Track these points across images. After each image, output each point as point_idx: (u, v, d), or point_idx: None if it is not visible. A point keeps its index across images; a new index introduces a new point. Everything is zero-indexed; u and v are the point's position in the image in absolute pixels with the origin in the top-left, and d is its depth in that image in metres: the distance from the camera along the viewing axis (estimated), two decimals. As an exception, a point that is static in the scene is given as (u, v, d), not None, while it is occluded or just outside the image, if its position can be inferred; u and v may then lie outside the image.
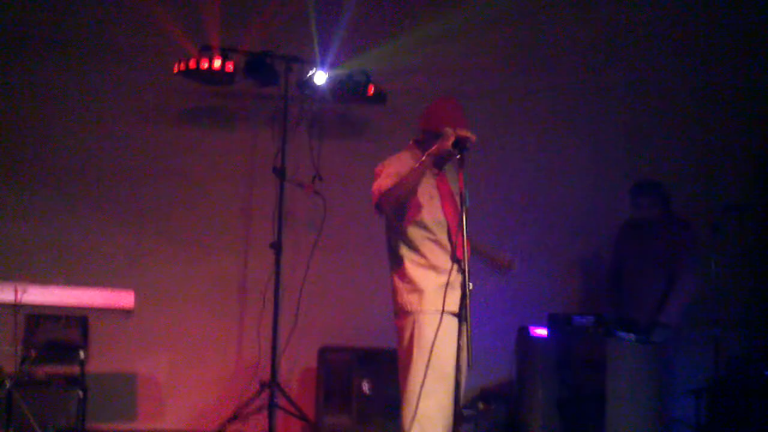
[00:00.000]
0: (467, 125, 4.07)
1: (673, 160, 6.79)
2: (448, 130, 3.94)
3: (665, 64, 6.88)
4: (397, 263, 4.30)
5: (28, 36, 6.19)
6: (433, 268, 4.22)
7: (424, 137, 4.28)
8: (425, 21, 6.57)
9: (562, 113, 6.80)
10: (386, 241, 4.37)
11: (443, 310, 4.04)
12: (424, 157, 4.04)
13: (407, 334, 4.19)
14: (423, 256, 4.23)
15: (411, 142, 4.38)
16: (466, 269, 3.83)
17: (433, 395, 4.04)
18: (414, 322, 4.17)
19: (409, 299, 4.22)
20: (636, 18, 6.88)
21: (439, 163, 4.07)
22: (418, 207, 4.21)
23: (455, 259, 4.13)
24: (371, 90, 6.17)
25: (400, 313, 4.27)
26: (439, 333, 4.00)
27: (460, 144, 3.89)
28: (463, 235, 3.83)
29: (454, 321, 4.03)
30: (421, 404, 4.02)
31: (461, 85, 6.58)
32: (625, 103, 6.86)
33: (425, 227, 4.22)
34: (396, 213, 4.19)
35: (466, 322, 3.79)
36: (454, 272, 4.12)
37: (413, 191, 4.11)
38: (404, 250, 4.26)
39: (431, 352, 4.01)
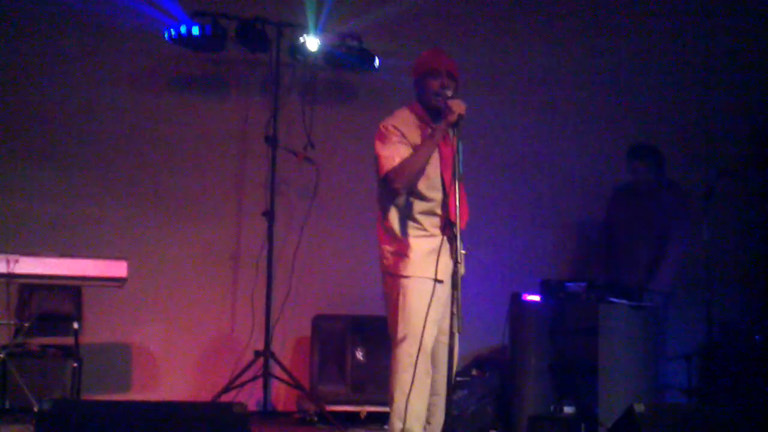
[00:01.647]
0: (454, 66, 4.21)
1: (667, 124, 6.79)
2: (453, 104, 3.99)
3: (663, 28, 6.86)
4: (385, 226, 4.22)
5: (16, 5, 6.10)
6: (424, 233, 4.15)
7: (417, 90, 4.28)
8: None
9: (557, 80, 6.76)
10: (377, 202, 4.28)
11: (435, 279, 4.01)
12: (433, 133, 4.08)
13: (392, 299, 4.16)
14: (414, 221, 4.16)
15: (415, 102, 4.32)
16: (458, 234, 3.81)
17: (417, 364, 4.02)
18: (400, 288, 4.12)
19: (394, 263, 4.16)
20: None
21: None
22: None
23: (448, 223, 4.07)
24: (364, 56, 6.12)
25: (386, 276, 4.22)
26: (424, 301, 3.99)
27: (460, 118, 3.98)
28: (455, 198, 3.82)
29: (441, 288, 4.06)
30: (405, 375, 4.03)
31: (455, 50, 6.52)
32: (622, 67, 6.84)
33: (420, 195, 4.15)
34: (407, 189, 4.14)
35: (457, 289, 3.74)
36: (445, 238, 4.07)
37: (425, 167, 4.10)
38: (394, 214, 4.18)
39: (416, 320, 4.01)
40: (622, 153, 6.08)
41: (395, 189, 4.12)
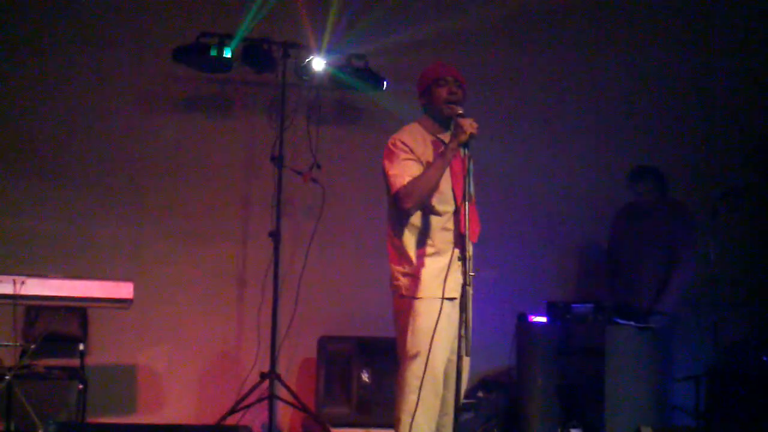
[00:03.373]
0: (459, 73, 4.18)
1: (671, 144, 6.80)
2: (465, 123, 3.92)
3: (664, 48, 6.88)
4: (395, 244, 4.16)
5: (22, 24, 6.11)
6: (434, 251, 4.09)
7: (424, 102, 4.24)
8: (424, 5, 6.58)
9: (562, 100, 6.78)
10: (388, 219, 4.20)
11: (444, 297, 3.95)
12: (444, 153, 4.00)
13: (402, 320, 4.09)
14: (426, 237, 4.09)
15: (423, 115, 4.27)
16: (468, 255, 3.74)
17: (424, 386, 3.97)
18: (410, 309, 4.06)
19: (404, 284, 4.10)
20: (635, 2, 6.86)
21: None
22: None
23: (459, 239, 3.95)
24: (370, 76, 6.13)
25: (396, 296, 4.16)
26: (435, 321, 3.92)
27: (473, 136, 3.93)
28: (465, 216, 3.77)
29: (453, 307, 3.98)
30: (412, 396, 3.98)
31: (462, 70, 6.53)
32: (625, 88, 6.85)
33: (432, 210, 4.09)
34: (418, 209, 4.09)
35: (466, 311, 3.68)
36: (455, 256, 3.96)
37: (436, 186, 4.04)
38: (404, 232, 4.11)
39: (429, 342, 3.93)
40: (626, 174, 6.08)
41: (406, 209, 4.05)
